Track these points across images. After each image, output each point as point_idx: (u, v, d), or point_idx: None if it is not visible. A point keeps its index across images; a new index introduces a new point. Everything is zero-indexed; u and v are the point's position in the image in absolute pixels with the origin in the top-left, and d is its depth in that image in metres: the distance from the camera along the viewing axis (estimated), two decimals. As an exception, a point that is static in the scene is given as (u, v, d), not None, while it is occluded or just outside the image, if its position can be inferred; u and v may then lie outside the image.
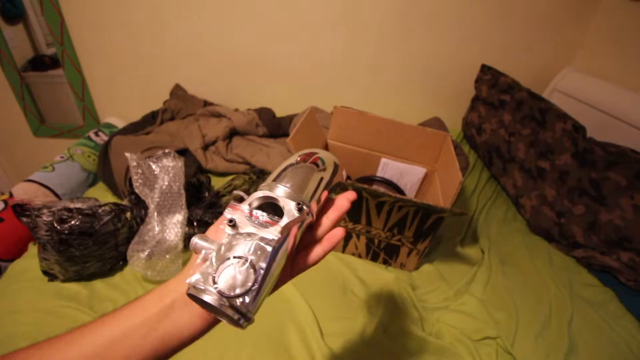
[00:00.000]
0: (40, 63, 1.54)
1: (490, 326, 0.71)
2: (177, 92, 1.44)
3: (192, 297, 0.26)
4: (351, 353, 0.64)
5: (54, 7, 1.28)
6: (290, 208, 0.30)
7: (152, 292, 0.29)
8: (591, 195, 0.85)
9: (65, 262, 0.70)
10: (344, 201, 0.35)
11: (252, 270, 0.26)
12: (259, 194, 0.31)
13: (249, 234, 0.28)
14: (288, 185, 0.31)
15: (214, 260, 0.26)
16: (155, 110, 1.36)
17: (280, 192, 0.31)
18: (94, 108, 1.55)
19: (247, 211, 0.29)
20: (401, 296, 0.76)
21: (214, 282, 0.25)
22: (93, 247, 0.71)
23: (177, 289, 0.28)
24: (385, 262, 0.84)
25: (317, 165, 0.36)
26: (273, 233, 0.28)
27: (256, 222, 0.29)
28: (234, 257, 0.26)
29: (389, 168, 0.97)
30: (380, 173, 0.98)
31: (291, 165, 0.35)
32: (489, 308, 0.75)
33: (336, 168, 0.38)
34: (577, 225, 0.87)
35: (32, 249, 0.81)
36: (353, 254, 0.85)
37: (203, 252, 0.28)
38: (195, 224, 0.84)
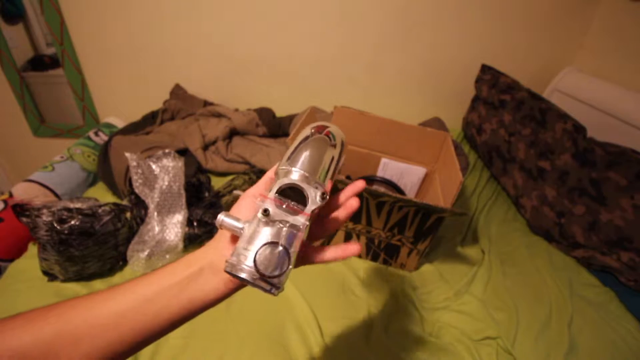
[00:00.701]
0: (40, 63, 1.54)
1: (490, 326, 0.71)
2: (177, 92, 1.44)
3: (229, 273, 0.29)
4: (351, 353, 0.64)
5: (54, 7, 1.28)
6: (314, 196, 0.32)
7: (182, 259, 0.32)
8: (591, 195, 0.85)
9: (65, 262, 0.70)
10: (352, 202, 0.36)
11: (286, 254, 0.29)
12: (285, 181, 0.32)
13: (281, 221, 0.30)
14: (304, 169, 0.33)
15: (246, 241, 0.29)
16: (155, 110, 1.36)
17: (296, 176, 0.33)
18: (94, 108, 1.55)
19: (274, 199, 0.32)
20: (401, 296, 0.76)
21: (255, 264, 0.28)
22: (93, 247, 0.71)
23: (205, 257, 0.31)
24: (385, 262, 0.84)
25: (330, 139, 0.38)
26: (300, 221, 0.31)
27: (284, 208, 0.31)
28: (271, 243, 0.29)
29: (389, 168, 0.97)
30: (380, 173, 0.98)
31: (306, 138, 0.37)
32: (489, 308, 0.75)
33: (343, 146, 0.40)
34: (578, 225, 0.87)
35: (32, 249, 0.81)
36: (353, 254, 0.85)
37: (236, 230, 0.31)
38: (195, 224, 0.84)
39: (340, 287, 0.77)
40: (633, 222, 0.78)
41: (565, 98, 1.22)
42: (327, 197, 0.33)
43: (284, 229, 0.30)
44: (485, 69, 1.27)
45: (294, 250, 0.30)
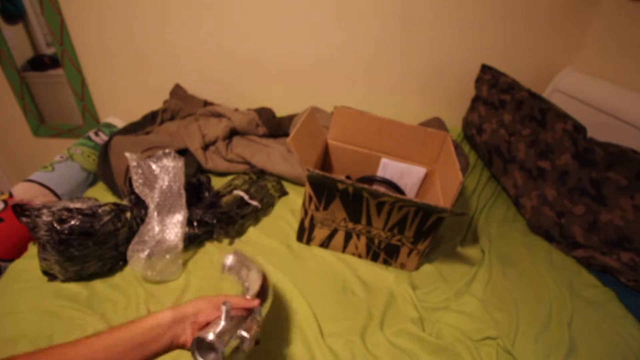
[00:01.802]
0: (40, 63, 1.54)
1: (490, 326, 0.71)
2: (177, 92, 1.44)
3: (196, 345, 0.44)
4: (351, 353, 0.64)
5: (54, 7, 1.28)
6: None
7: (151, 326, 0.43)
8: (591, 195, 0.85)
9: (65, 262, 0.70)
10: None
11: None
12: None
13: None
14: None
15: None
16: (155, 110, 1.36)
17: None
18: (94, 108, 1.55)
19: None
20: (401, 296, 0.76)
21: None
22: (93, 247, 0.71)
23: (172, 329, 0.44)
24: (385, 262, 0.84)
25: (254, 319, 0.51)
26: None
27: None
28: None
29: (389, 168, 0.97)
30: (380, 173, 0.98)
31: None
32: (489, 308, 0.75)
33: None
34: (578, 225, 0.87)
35: (32, 249, 0.81)
36: (353, 254, 0.85)
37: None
38: (195, 224, 0.84)
39: (340, 287, 0.77)
40: (633, 222, 0.78)
41: (565, 98, 1.22)
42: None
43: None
44: (485, 69, 1.27)
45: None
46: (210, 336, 0.43)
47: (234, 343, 0.46)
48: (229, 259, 0.61)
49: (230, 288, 0.74)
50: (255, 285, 0.57)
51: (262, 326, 0.52)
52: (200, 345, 0.44)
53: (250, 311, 0.51)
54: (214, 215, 0.85)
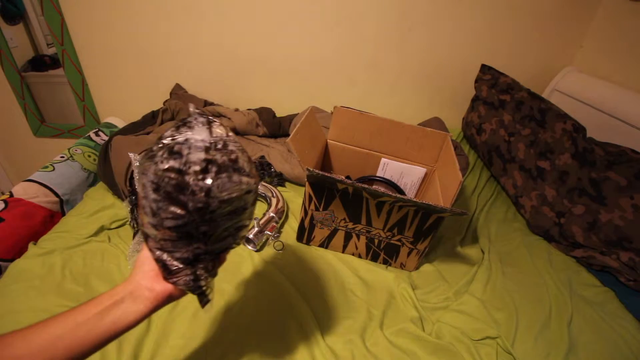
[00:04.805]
0: (40, 63, 1.54)
1: (490, 326, 0.71)
2: (177, 91, 1.44)
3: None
4: (351, 353, 0.64)
5: (54, 7, 1.28)
6: None
7: (108, 291, 0.40)
8: (591, 195, 0.85)
9: None
10: None
11: None
12: None
13: None
14: None
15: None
16: (156, 110, 1.36)
17: None
18: (94, 108, 1.55)
19: None
20: (401, 296, 0.76)
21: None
22: None
23: (126, 288, 0.40)
24: (385, 262, 0.84)
25: None
26: None
27: None
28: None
29: (389, 168, 0.97)
30: (380, 173, 0.98)
31: None
32: (489, 308, 0.75)
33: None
34: (577, 225, 0.87)
35: (32, 249, 0.81)
36: (353, 254, 0.85)
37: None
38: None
39: (340, 287, 0.77)
40: (632, 222, 0.78)
41: (565, 98, 1.22)
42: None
43: None
44: (485, 69, 1.27)
45: None
46: (251, 236, 0.80)
47: (264, 238, 0.83)
48: (261, 186, 0.94)
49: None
50: (274, 202, 0.93)
51: (279, 229, 0.88)
52: (248, 240, 0.81)
53: (271, 218, 0.86)
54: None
